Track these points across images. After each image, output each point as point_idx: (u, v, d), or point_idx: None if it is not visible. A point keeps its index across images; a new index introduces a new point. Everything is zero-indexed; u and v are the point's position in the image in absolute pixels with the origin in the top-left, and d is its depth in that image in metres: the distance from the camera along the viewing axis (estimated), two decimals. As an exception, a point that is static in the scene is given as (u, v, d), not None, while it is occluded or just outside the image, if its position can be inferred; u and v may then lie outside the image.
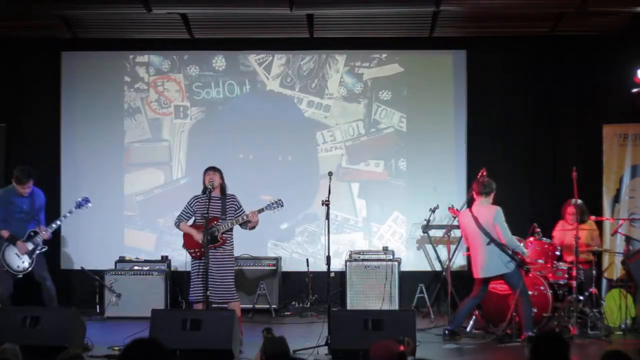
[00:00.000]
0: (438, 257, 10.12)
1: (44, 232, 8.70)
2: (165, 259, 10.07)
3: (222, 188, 7.91)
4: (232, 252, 7.93)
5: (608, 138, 9.84)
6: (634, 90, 9.37)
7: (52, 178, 10.40)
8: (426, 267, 10.38)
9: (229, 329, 7.11)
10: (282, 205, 7.90)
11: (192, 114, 10.64)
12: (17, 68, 10.66)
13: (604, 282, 9.60)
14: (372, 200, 10.54)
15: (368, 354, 4.92)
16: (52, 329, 7.23)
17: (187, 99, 10.64)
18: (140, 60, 10.68)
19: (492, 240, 8.03)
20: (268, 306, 9.77)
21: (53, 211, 9.30)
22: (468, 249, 8.52)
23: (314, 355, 7.35)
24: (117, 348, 7.42)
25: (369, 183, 10.56)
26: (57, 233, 10.24)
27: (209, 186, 7.77)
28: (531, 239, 8.69)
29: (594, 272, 8.72)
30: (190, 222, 7.95)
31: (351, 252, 10.15)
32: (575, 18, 9.71)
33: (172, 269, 10.06)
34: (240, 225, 7.87)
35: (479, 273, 8.18)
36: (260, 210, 7.81)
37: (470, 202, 8.70)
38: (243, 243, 9.12)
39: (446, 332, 8.20)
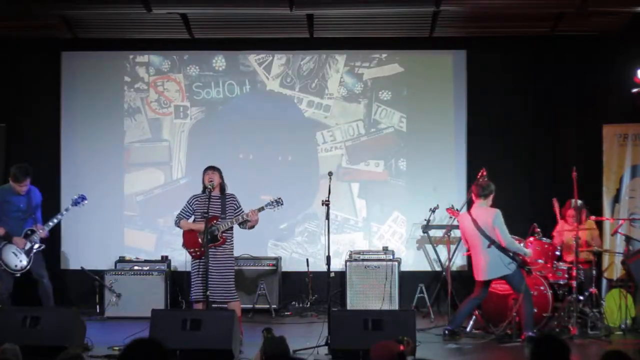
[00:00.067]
0: (438, 257, 10.12)
1: (40, 231, 8.69)
2: (165, 259, 10.07)
3: (222, 187, 7.91)
4: (232, 252, 7.93)
5: (608, 138, 9.84)
6: (634, 90, 9.36)
7: (52, 178, 10.40)
8: (426, 267, 10.38)
9: (229, 329, 7.11)
10: (281, 204, 7.90)
11: (192, 114, 10.64)
12: (17, 68, 10.66)
13: (604, 282, 9.60)
14: (372, 200, 10.54)
15: (368, 354, 4.92)
16: (52, 329, 7.23)
17: (187, 99, 10.64)
18: (140, 60, 10.68)
19: (492, 242, 8.02)
20: (268, 306, 9.77)
21: (53, 211, 9.28)
22: (468, 249, 8.51)
23: (314, 355, 7.35)
24: (117, 348, 7.42)
25: (369, 183, 10.56)
26: (57, 233, 10.26)
27: (209, 185, 7.77)
28: (531, 239, 8.69)
29: (594, 272, 8.72)
30: (190, 221, 7.95)
31: (351, 252, 10.16)
32: (575, 18, 9.71)
33: (172, 269, 10.06)
34: (240, 224, 7.87)
35: (480, 276, 8.17)
36: (260, 209, 7.81)
37: (469, 203, 8.69)
38: (243, 243, 9.12)
39: (446, 332, 8.20)
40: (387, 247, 10.21)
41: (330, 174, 7.95)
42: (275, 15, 9.78)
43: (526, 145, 10.45)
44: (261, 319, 9.42)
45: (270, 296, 9.82)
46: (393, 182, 10.55)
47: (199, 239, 7.75)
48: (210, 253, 7.60)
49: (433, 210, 9.88)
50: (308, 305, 10.08)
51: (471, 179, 9.67)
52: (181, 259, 8.61)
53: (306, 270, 10.10)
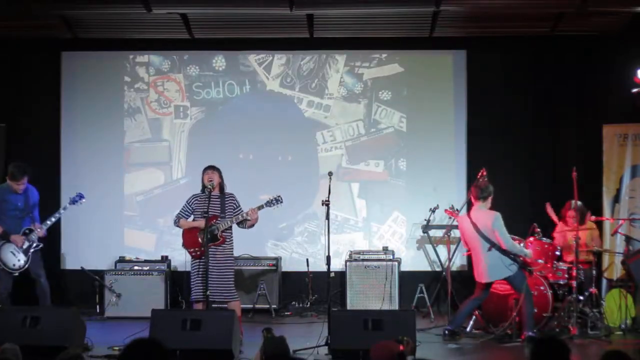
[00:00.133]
0: (438, 257, 10.12)
1: (38, 230, 8.67)
2: (165, 259, 10.07)
3: (221, 187, 7.92)
4: (232, 252, 7.93)
5: (608, 138, 9.84)
6: (634, 90, 9.36)
7: (52, 178, 10.40)
8: (426, 267, 10.38)
9: (229, 329, 7.11)
10: (281, 202, 7.90)
11: (192, 114, 10.64)
12: (17, 68, 10.66)
13: (604, 282, 9.59)
14: (372, 200, 10.54)
15: (368, 354, 4.92)
16: (52, 329, 7.23)
17: (187, 99, 10.64)
18: (140, 60, 10.68)
19: (492, 245, 8.01)
20: (268, 306, 9.77)
21: (53, 211, 9.27)
22: (468, 250, 8.51)
23: (314, 355, 7.35)
24: (117, 348, 7.42)
25: (369, 183, 10.56)
26: (57, 233, 10.27)
27: (209, 185, 7.77)
28: (531, 239, 8.69)
29: (594, 272, 8.72)
30: (189, 220, 7.95)
31: (351, 252, 10.16)
32: (575, 18, 9.71)
33: (172, 269, 10.06)
34: (239, 224, 7.87)
35: (482, 278, 8.16)
36: (260, 207, 7.81)
37: (469, 204, 8.68)
38: (243, 243, 9.12)
39: (446, 332, 8.20)
40: (387, 247, 10.21)
41: (330, 174, 7.95)
42: (275, 15, 9.78)
43: (526, 145, 10.45)
44: (261, 319, 9.42)
45: (270, 296, 9.82)
46: (393, 182, 10.55)
47: (199, 239, 7.75)
48: (210, 253, 7.60)
49: (433, 210, 9.88)
50: (308, 305, 10.08)
51: (471, 179, 9.67)
52: (181, 259, 8.61)
53: (306, 270, 10.10)
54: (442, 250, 9.92)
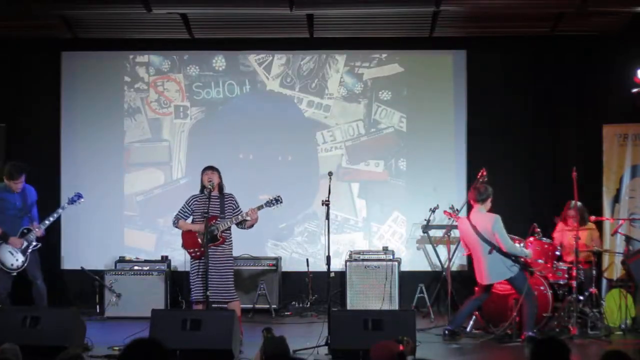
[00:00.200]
0: (438, 257, 10.11)
1: (37, 230, 8.66)
2: (165, 259, 10.08)
3: (220, 187, 7.92)
4: (231, 252, 7.93)
5: (608, 138, 9.84)
6: (634, 90, 9.36)
7: (52, 178, 10.40)
8: (426, 267, 10.38)
9: (229, 329, 7.11)
10: (281, 202, 7.89)
11: (192, 114, 10.64)
12: (17, 68, 10.66)
13: (604, 282, 9.59)
14: (372, 200, 10.54)
15: (368, 354, 4.92)
16: (52, 329, 7.23)
17: (187, 99, 10.64)
18: (140, 60, 10.68)
19: (493, 248, 8.01)
20: (268, 306, 9.77)
21: (53, 211, 9.26)
22: (468, 250, 8.50)
23: (314, 355, 7.35)
24: (117, 348, 7.42)
25: (369, 183, 10.56)
26: (57, 233, 10.27)
27: (209, 185, 7.77)
28: (531, 239, 8.68)
29: (594, 272, 8.72)
30: (188, 221, 7.95)
31: (351, 252, 10.16)
32: (575, 18, 9.71)
33: (172, 269, 10.07)
34: (238, 225, 7.87)
35: (483, 280, 8.16)
36: (260, 207, 7.81)
37: (469, 205, 8.68)
38: (243, 243, 9.13)
39: (446, 332, 8.20)
40: (387, 247, 10.21)
41: (330, 174, 7.95)
42: (275, 15, 9.78)
43: (526, 145, 10.45)
44: (261, 319, 9.42)
45: (270, 296, 9.82)
46: (393, 182, 10.55)
47: (198, 239, 7.75)
48: (209, 253, 7.60)
49: (433, 210, 9.87)
50: (308, 305, 10.08)
51: (471, 179, 9.67)
52: (181, 259, 8.61)
53: (306, 270, 10.10)
54: (442, 250, 9.91)
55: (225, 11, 9.70)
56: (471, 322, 8.47)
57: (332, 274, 8.05)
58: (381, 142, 10.56)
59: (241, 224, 7.89)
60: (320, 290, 9.87)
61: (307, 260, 10.16)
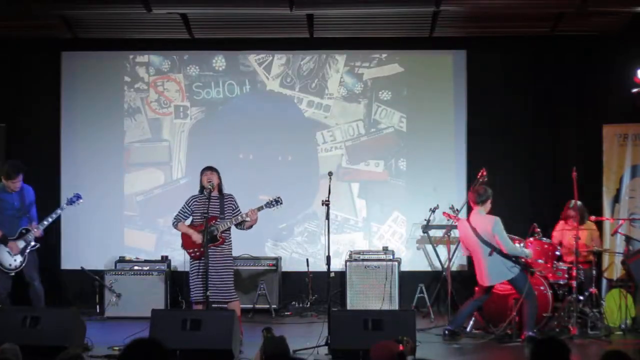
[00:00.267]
0: (438, 257, 10.11)
1: (35, 230, 8.63)
2: (165, 259, 10.08)
3: (220, 188, 7.91)
4: (231, 252, 7.92)
5: (608, 138, 9.84)
6: (634, 90, 9.36)
7: (52, 178, 10.40)
8: (426, 267, 10.38)
9: (229, 329, 7.11)
10: (281, 203, 7.89)
11: (192, 114, 10.64)
12: (17, 68, 10.66)
13: (604, 282, 9.59)
14: (372, 200, 10.54)
15: (368, 354, 4.92)
16: (52, 329, 7.23)
17: (187, 99, 10.64)
18: (140, 60, 10.68)
19: (493, 249, 8.01)
20: (268, 306, 9.77)
21: (52, 212, 9.27)
22: (468, 251, 8.50)
23: (314, 355, 7.35)
24: (117, 348, 7.42)
25: (369, 183, 10.56)
26: (57, 233, 10.27)
27: (209, 186, 7.76)
28: (531, 239, 8.68)
29: (594, 272, 8.72)
30: (188, 222, 7.94)
31: (351, 252, 10.15)
32: (575, 18, 9.71)
33: (172, 269, 10.07)
34: (237, 225, 7.86)
35: (484, 281, 8.15)
36: (260, 208, 7.81)
37: (469, 206, 8.67)
38: (243, 243, 9.13)
39: (446, 332, 8.20)
40: (387, 247, 10.21)
41: (330, 174, 7.94)
42: (275, 15, 9.78)
43: (526, 145, 10.45)
44: (261, 319, 9.41)
45: (270, 296, 9.82)
46: (393, 182, 10.55)
47: (197, 240, 7.74)
48: (209, 253, 7.59)
49: (433, 210, 9.87)
50: (308, 305, 10.08)
51: (471, 179, 9.67)
52: (181, 259, 8.62)
53: (306, 270, 10.10)
54: (442, 250, 9.91)
55: (225, 11, 9.70)
56: (471, 322, 8.47)
57: (332, 274, 8.05)
58: (381, 142, 10.56)
59: (240, 225, 7.88)
60: (320, 290, 9.87)
61: (307, 260, 10.16)
